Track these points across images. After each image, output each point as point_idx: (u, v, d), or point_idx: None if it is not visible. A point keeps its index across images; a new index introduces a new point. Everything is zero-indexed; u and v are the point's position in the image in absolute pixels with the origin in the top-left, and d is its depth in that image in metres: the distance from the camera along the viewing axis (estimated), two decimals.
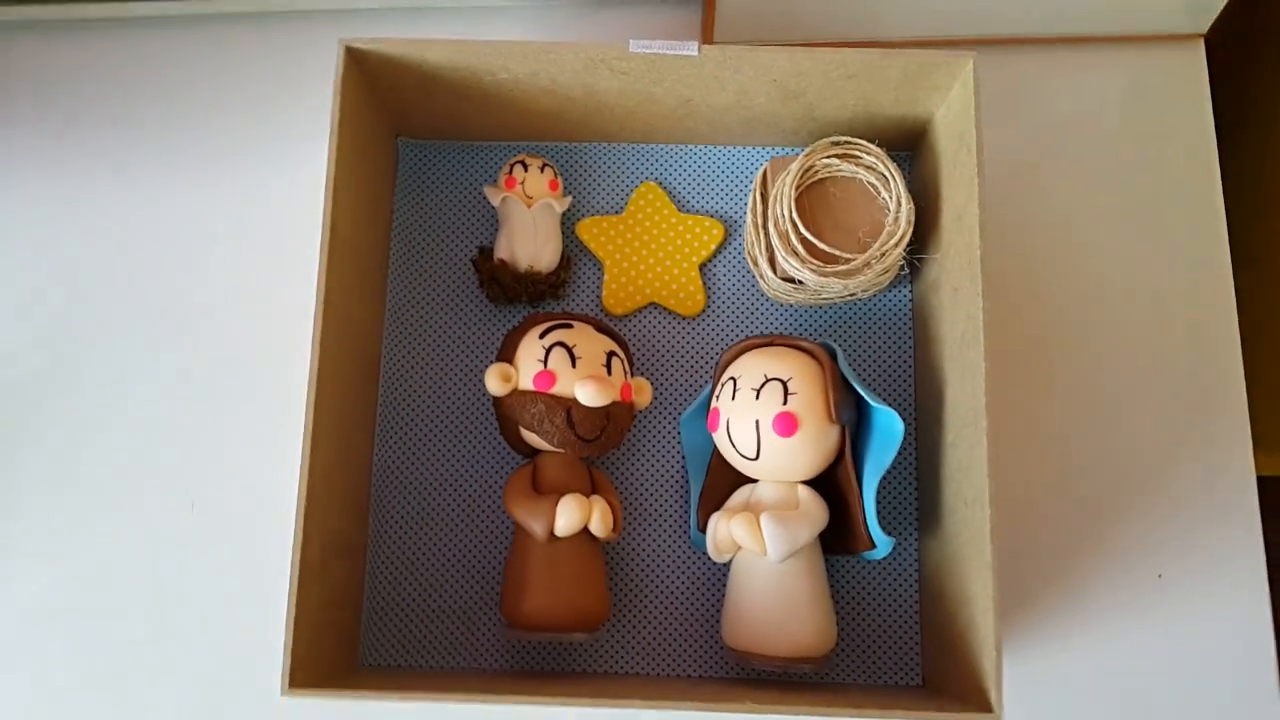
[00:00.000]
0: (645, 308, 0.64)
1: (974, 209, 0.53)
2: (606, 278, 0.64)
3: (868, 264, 0.58)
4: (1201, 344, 0.66)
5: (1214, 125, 0.69)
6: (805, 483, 0.57)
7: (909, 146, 0.64)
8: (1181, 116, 0.69)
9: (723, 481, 0.60)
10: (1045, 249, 0.67)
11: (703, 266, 0.65)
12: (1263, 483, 0.66)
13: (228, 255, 0.67)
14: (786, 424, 0.54)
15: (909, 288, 0.64)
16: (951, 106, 0.57)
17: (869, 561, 0.61)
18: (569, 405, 0.55)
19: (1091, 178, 0.68)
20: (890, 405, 0.57)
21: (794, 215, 0.58)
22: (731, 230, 0.65)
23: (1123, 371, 0.65)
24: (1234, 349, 0.66)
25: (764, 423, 0.55)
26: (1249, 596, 0.63)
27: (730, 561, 0.58)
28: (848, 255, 0.57)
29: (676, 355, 0.64)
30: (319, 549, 0.52)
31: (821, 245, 0.58)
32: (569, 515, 0.55)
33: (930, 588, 0.59)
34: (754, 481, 0.58)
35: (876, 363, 0.64)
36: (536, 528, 0.55)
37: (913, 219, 0.58)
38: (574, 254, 0.65)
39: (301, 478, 0.50)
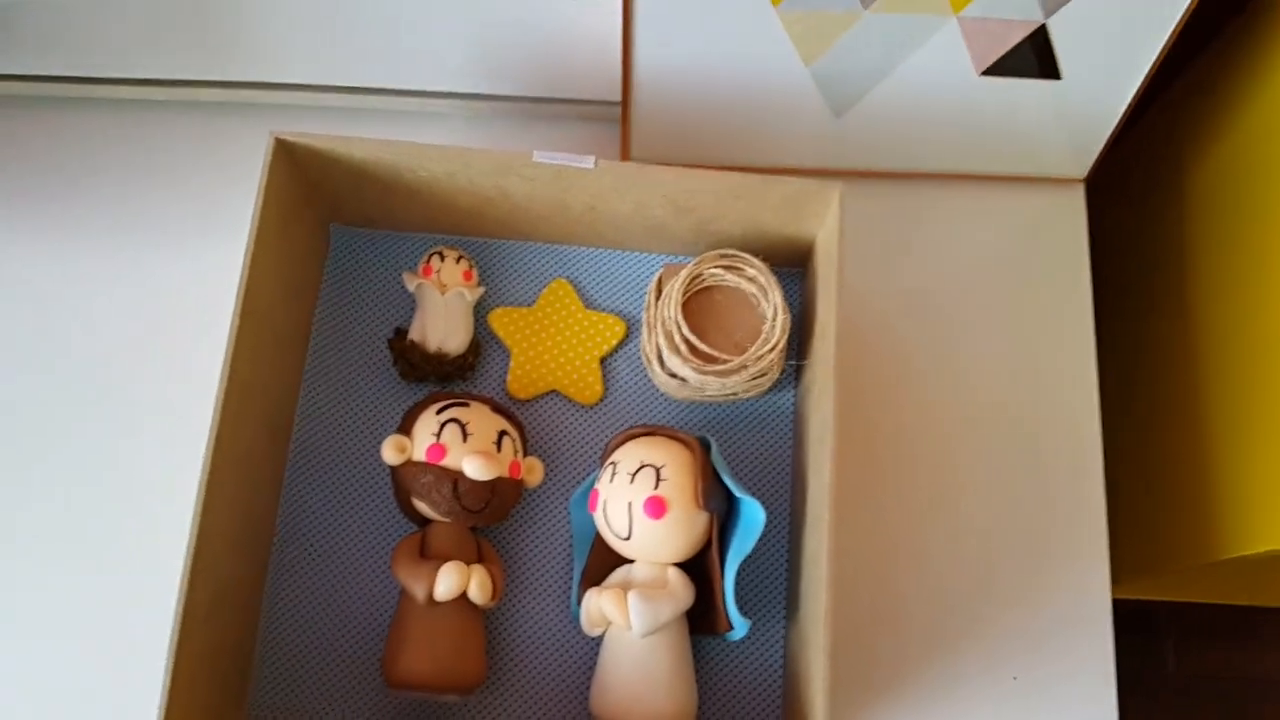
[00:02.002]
0: (547, 394, 0.69)
1: (832, 325, 0.59)
2: (513, 364, 0.69)
3: (744, 365, 0.63)
4: (1065, 465, 0.71)
5: (1089, 266, 0.75)
6: (677, 565, 0.62)
7: (799, 263, 0.70)
8: (1059, 256, 0.75)
9: (604, 561, 0.64)
10: (918, 366, 0.72)
11: (603, 360, 0.70)
12: (1137, 608, 0.70)
13: (150, 322, 0.73)
14: (656, 507, 0.59)
15: (793, 391, 0.70)
16: (828, 230, 0.63)
17: (734, 643, 0.65)
18: (455, 477, 0.60)
19: (968, 306, 0.74)
20: (765, 498, 0.61)
21: (679, 317, 0.63)
22: (633, 328, 0.71)
23: (987, 485, 0.70)
24: (1097, 473, 0.71)
25: (635, 505, 0.59)
26: (1097, 706, 0.67)
27: (603, 635, 0.62)
28: (725, 356, 0.63)
29: (573, 440, 0.69)
30: (208, 596, 0.56)
31: (702, 346, 0.63)
32: (448, 581, 0.59)
33: (789, 670, 0.63)
34: (631, 562, 0.62)
35: (755, 459, 0.68)
36: (417, 590, 0.59)
37: (788, 328, 0.63)
38: (485, 341, 0.70)
39: (193, 524, 0.54)
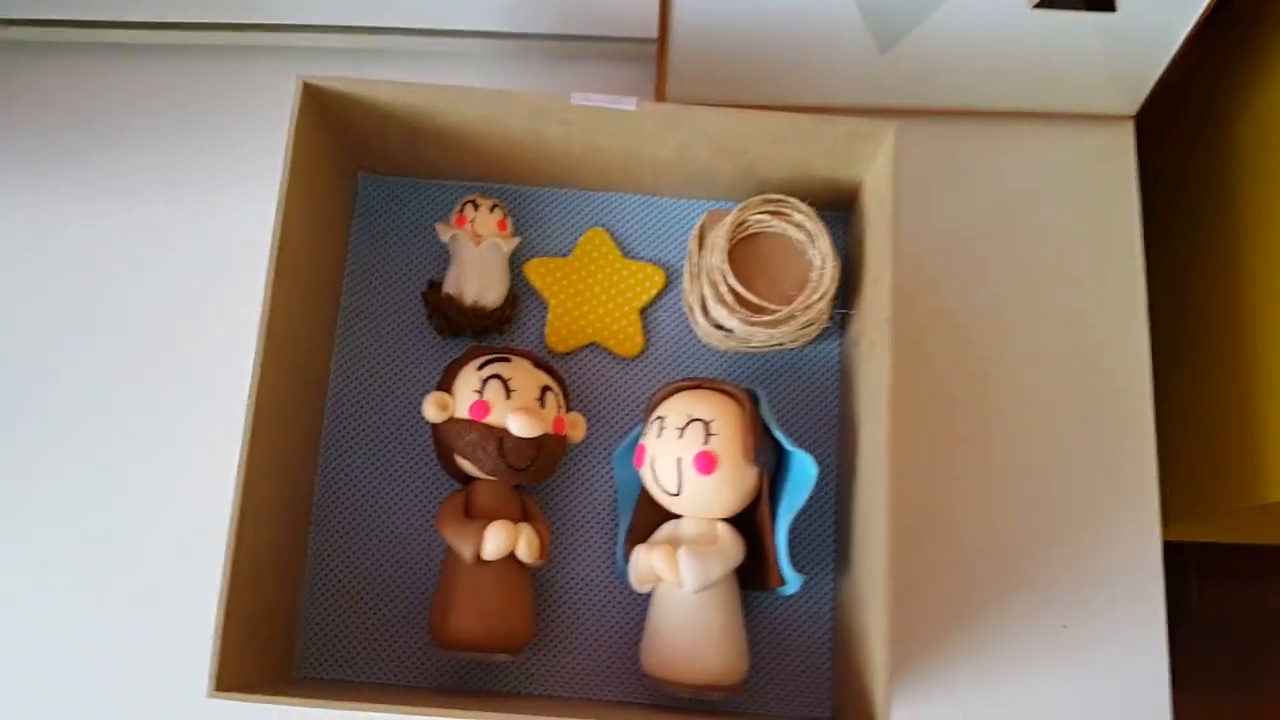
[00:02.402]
0: (586, 347, 0.68)
1: (887, 272, 0.57)
2: (550, 316, 0.67)
3: (792, 316, 0.61)
4: (1115, 411, 0.69)
5: (1140, 204, 0.73)
6: (726, 520, 0.60)
7: (844, 208, 0.68)
8: (1108, 194, 0.73)
9: (649, 516, 0.62)
10: (966, 312, 0.70)
11: (643, 311, 0.68)
12: (1165, 546, 0.69)
13: (182, 275, 0.71)
14: (706, 462, 0.57)
15: (838, 340, 0.68)
16: (877, 172, 0.61)
17: (784, 598, 0.64)
18: (501, 435, 0.58)
19: (1016, 248, 0.72)
20: (811, 450, 0.60)
21: (725, 267, 0.61)
22: (672, 277, 0.69)
23: (1036, 431, 0.69)
24: (1147, 418, 0.69)
25: (685, 460, 0.58)
26: (1148, 651, 0.66)
27: (651, 592, 0.61)
28: (773, 307, 0.61)
29: (614, 394, 0.67)
30: (251, 560, 0.54)
31: (749, 296, 0.61)
32: (496, 540, 0.57)
33: (841, 624, 0.62)
34: (678, 517, 0.61)
35: (802, 410, 0.67)
36: (464, 550, 0.58)
37: (837, 276, 0.61)
38: (521, 292, 0.68)
39: (236, 489, 0.52)
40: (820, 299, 0.61)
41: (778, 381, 0.67)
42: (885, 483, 0.54)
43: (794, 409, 0.67)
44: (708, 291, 0.62)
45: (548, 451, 0.60)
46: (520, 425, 0.58)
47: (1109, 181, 0.73)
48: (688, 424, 0.58)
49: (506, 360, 0.61)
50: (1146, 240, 0.72)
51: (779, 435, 0.59)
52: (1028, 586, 0.67)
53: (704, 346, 0.68)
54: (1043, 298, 0.71)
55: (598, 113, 0.59)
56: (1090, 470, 0.69)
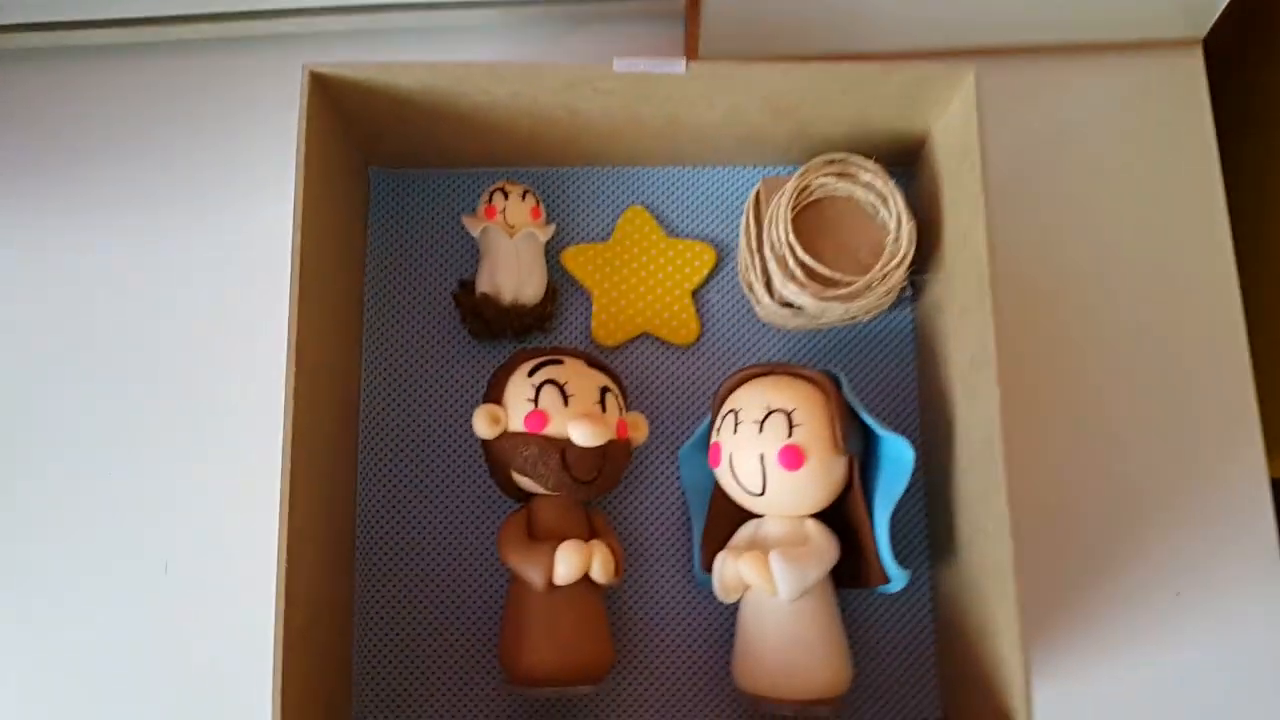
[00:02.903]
0: (637, 338, 0.62)
1: (980, 228, 0.51)
2: (595, 308, 0.61)
3: (869, 286, 0.55)
4: (1209, 354, 0.64)
5: (1214, 129, 0.67)
6: (813, 516, 0.55)
7: (905, 163, 0.62)
8: (1181, 122, 0.67)
9: (726, 517, 0.57)
10: (1045, 262, 0.65)
11: (695, 293, 0.62)
12: (1276, 485, 0.64)
13: (191, 301, 0.64)
14: (793, 457, 0.52)
15: (910, 309, 0.62)
16: (951, 120, 0.55)
17: (879, 595, 0.58)
18: (563, 446, 0.52)
19: (1091, 188, 0.66)
20: (896, 432, 0.54)
21: (791, 238, 0.55)
22: (724, 255, 0.63)
23: (1130, 389, 0.63)
24: (1242, 357, 0.64)
25: (769, 456, 0.52)
26: (1267, 603, 0.61)
27: (739, 601, 0.55)
28: (848, 278, 0.55)
29: (671, 387, 0.61)
30: (304, 612, 0.48)
31: (820, 268, 0.55)
32: (569, 562, 0.52)
33: (946, 620, 0.57)
34: (758, 516, 0.55)
35: (878, 388, 0.61)
36: (535, 577, 0.52)
37: (915, 238, 0.55)
38: (560, 284, 0.62)
39: (280, 540, 0.46)
40: (899, 265, 0.55)
41: (846, 359, 0.61)
42: (1001, 463, 0.48)
43: (866, 387, 0.61)
44: (774, 267, 0.56)
45: (613, 459, 0.54)
46: (583, 434, 0.52)
47: (1181, 112, 0.67)
48: (767, 416, 0.53)
49: (559, 362, 0.55)
50: (1223, 164, 0.66)
51: (868, 419, 0.54)
52: (1132, 554, 0.62)
53: (764, 328, 0.62)
54: (1120, 243, 0.66)
55: (640, 79, 0.52)
56: (1189, 420, 0.63)
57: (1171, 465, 0.63)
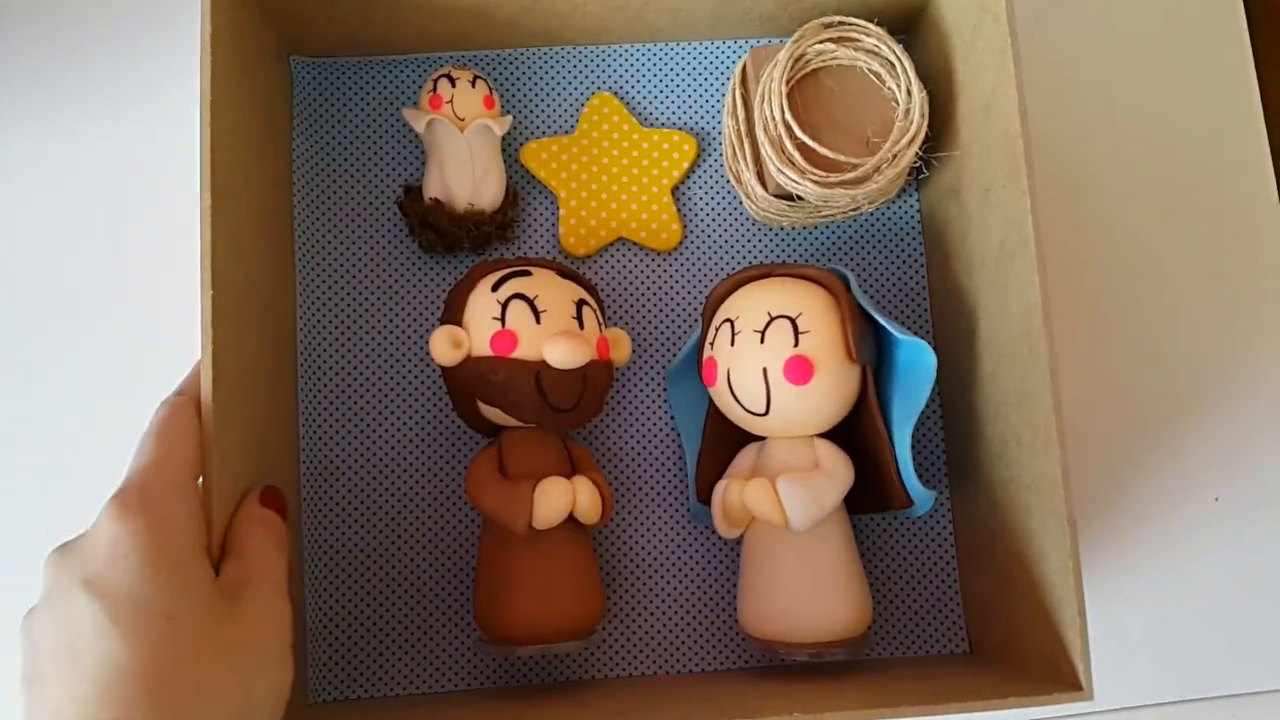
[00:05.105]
0: (611, 245, 0.54)
1: (1009, 92, 0.43)
2: (563, 212, 0.53)
3: (878, 169, 0.48)
4: (1247, 258, 0.58)
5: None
6: (821, 435, 0.48)
7: (905, 29, 0.54)
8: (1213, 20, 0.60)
9: (723, 442, 0.50)
10: (1072, 139, 0.58)
11: (675, 190, 0.54)
12: None
13: (91, 220, 0.55)
14: (800, 369, 0.45)
15: (915, 195, 0.55)
16: None
17: (892, 522, 0.52)
18: (537, 370, 0.45)
19: (1112, 72, 0.59)
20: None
21: (787, 116, 0.47)
22: (706, 144, 0.55)
23: (1168, 279, 0.58)
24: None
25: (773, 370, 0.45)
26: None
27: (742, 536, 0.49)
28: (854, 160, 0.48)
29: (654, 298, 0.54)
30: None
31: (822, 150, 0.48)
32: (551, 502, 0.45)
33: (971, 544, 0.51)
34: (761, 439, 0.49)
35: (887, 287, 0.54)
36: (513, 520, 0.45)
37: (927, 111, 0.48)
38: (521, 186, 0.54)
39: (208, 504, 0.39)
40: (911, 143, 0.48)
41: (848, 256, 0.55)
42: (1046, 364, 0.42)
43: (873, 287, 0.54)
44: (767, 151, 0.48)
45: (594, 383, 0.47)
46: (561, 355, 0.45)
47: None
48: (769, 323, 0.46)
49: (526, 274, 0.47)
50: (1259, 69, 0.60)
51: (883, 322, 0.47)
52: (1175, 459, 0.56)
53: (757, 226, 0.55)
54: (1148, 104, 0.59)
55: None
56: (1227, 327, 0.57)
57: (1207, 363, 0.57)
